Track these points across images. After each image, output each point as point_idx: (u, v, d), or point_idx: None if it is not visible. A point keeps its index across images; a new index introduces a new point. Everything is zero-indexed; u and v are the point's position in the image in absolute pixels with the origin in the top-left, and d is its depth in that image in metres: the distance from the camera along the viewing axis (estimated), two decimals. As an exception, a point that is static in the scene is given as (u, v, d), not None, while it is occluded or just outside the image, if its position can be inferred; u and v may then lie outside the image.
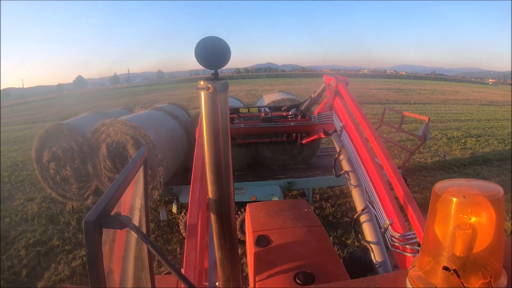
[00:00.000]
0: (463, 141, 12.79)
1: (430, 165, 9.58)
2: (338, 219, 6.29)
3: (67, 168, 5.20)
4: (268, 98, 7.20)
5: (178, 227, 5.74)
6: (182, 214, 5.38)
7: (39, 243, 5.81)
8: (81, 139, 5.11)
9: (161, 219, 5.98)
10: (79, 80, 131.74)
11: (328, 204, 6.90)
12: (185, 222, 5.27)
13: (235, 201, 5.04)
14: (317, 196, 7.35)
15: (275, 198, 5.06)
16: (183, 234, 5.56)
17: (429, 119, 4.99)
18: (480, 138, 13.32)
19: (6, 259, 5.37)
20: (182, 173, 5.94)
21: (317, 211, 6.64)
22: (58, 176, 5.35)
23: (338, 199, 7.19)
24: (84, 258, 5.02)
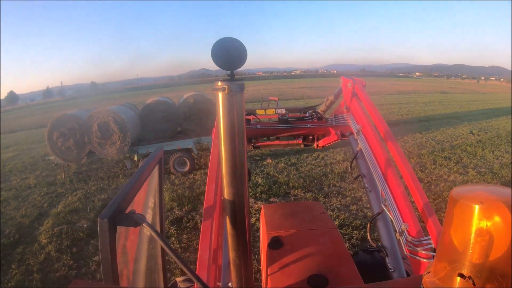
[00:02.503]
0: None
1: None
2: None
3: (70, 140, 8.79)
4: (185, 95, 11.05)
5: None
6: (140, 161, 9.40)
7: (48, 193, 9.08)
8: (81, 121, 8.80)
9: (127, 167, 10.02)
10: (11, 95, 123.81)
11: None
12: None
13: (172, 149, 9.25)
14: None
15: (190, 146, 9.43)
16: None
17: (278, 98, 9.38)
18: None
19: (29, 202, 8.51)
20: (138, 140, 9.88)
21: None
22: (63, 147, 8.88)
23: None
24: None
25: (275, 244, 2.14)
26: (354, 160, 2.51)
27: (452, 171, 9.41)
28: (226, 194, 1.29)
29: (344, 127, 2.82)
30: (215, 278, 1.66)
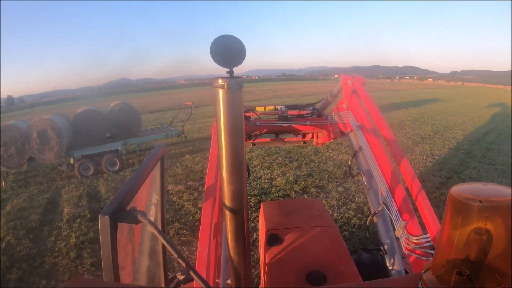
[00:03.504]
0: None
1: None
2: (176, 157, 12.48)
3: (12, 148, 9.87)
4: (112, 104, 12.42)
5: (76, 176, 10.97)
6: (76, 163, 10.76)
7: (-6, 201, 9.82)
8: (20, 130, 9.92)
9: (64, 170, 11.45)
10: None
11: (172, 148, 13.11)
12: (78, 167, 10.69)
13: (103, 151, 10.88)
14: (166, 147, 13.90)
15: (118, 148, 11.15)
16: (77, 175, 10.82)
17: (192, 103, 11.58)
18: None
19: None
20: (71, 146, 11.06)
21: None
22: (5, 155, 9.92)
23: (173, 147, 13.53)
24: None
25: (274, 241, 2.15)
26: (353, 158, 2.49)
27: (341, 153, 11.61)
28: (225, 191, 1.28)
29: (344, 124, 2.83)
30: (214, 275, 1.67)
